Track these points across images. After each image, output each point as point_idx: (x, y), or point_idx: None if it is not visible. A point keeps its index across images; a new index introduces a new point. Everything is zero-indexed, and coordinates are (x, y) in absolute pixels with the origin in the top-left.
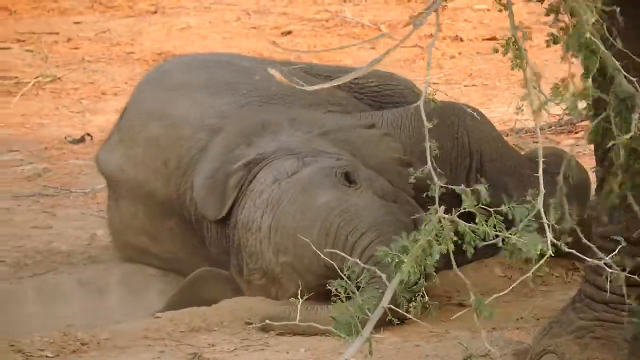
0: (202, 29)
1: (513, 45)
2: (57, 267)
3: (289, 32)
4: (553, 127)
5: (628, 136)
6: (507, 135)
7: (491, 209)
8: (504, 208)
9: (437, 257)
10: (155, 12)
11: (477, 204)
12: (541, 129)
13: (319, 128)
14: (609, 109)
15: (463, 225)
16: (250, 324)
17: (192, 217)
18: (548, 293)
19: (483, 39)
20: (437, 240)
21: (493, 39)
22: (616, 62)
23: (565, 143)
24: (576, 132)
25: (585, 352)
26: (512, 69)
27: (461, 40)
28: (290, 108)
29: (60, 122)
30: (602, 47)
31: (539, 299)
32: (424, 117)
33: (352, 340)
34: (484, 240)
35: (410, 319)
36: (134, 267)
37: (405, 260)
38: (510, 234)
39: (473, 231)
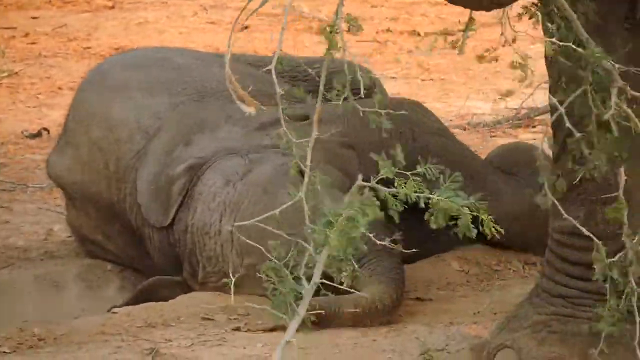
0: (159, 24)
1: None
2: (14, 263)
3: (246, 27)
4: (511, 121)
5: (610, 114)
6: (465, 129)
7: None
8: (420, 169)
9: (363, 228)
10: (112, 7)
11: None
12: (499, 123)
13: (255, 122)
14: (585, 84)
15: (383, 191)
16: (208, 319)
17: (133, 223)
18: (505, 287)
19: (440, 33)
20: (361, 210)
21: (450, 33)
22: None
23: (523, 137)
24: (534, 126)
25: (542, 347)
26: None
27: (418, 34)
28: (226, 104)
29: (17, 117)
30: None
31: (496, 294)
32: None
33: (288, 320)
34: (406, 203)
35: (342, 289)
36: (91, 263)
37: (331, 234)
38: (432, 194)
39: (394, 196)
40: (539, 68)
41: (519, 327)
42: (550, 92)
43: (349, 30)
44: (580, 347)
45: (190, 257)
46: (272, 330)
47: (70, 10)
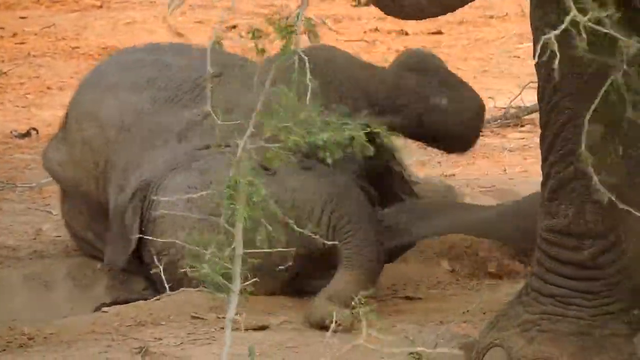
0: (147, 24)
1: None
2: (3, 262)
3: (234, 27)
4: (499, 121)
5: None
6: None
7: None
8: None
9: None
10: (100, 7)
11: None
12: (487, 122)
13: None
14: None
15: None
16: (198, 318)
17: None
18: (495, 286)
19: (429, 33)
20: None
21: (439, 33)
22: None
23: (512, 137)
24: (522, 126)
25: (532, 346)
26: None
27: (406, 34)
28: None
29: (6, 117)
30: None
31: (486, 293)
32: None
33: (226, 297)
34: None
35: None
36: (80, 262)
37: (237, 207)
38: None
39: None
40: (528, 67)
41: (508, 326)
42: (538, 91)
43: (307, 36)
44: (570, 346)
45: (170, 276)
46: (261, 328)
47: (59, 10)
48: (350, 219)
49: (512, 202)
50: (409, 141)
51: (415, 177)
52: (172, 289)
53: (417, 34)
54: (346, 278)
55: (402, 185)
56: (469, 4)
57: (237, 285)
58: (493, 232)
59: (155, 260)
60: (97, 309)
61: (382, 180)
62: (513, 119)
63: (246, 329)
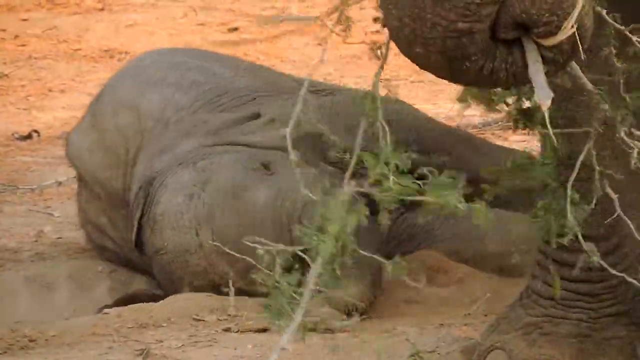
0: (149, 26)
1: None
2: (4, 264)
3: (236, 29)
4: (500, 123)
5: None
6: None
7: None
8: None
9: (351, 229)
10: (102, 9)
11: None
12: (487, 124)
13: (205, 129)
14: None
15: (372, 192)
16: (199, 320)
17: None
18: (497, 289)
19: None
20: (350, 212)
21: None
22: None
23: (513, 139)
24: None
25: (533, 349)
26: None
27: None
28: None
29: (7, 119)
30: None
31: (487, 295)
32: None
33: (284, 326)
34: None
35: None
36: (81, 264)
37: (325, 240)
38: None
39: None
40: None
41: (510, 329)
42: None
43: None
44: (571, 349)
45: (167, 275)
46: (262, 330)
47: (60, 12)
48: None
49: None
50: None
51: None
52: (168, 289)
53: None
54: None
55: None
56: None
57: (299, 318)
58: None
59: (155, 258)
60: (99, 310)
61: None
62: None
63: (244, 331)
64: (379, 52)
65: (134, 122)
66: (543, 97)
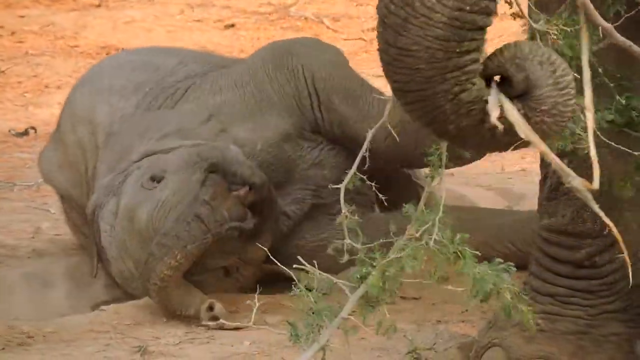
0: (146, 23)
1: None
2: (2, 261)
3: (232, 25)
4: None
5: None
6: None
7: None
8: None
9: (401, 276)
10: (99, 6)
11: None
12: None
13: (158, 134)
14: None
15: (434, 248)
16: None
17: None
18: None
19: None
20: (411, 257)
21: None
22: None
23: None
24: None
25: (531, 345)
26: None
27: None
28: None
29: (5, 116)
30: None
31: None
32: None
33: (306, 345)
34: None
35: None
36: (79, 260)
37: (373, 273)
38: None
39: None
40: None
41: (507, 326)
42: None
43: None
44: (569, 345)
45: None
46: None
47: (58, 9)
48: None
49: (528, 211)
50: None
51: (422, 178)
52: None
53: None
54: None
55: (410, 187)
56: None
57: (323, 341)
58: (505, 238)
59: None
60: (96, 307)
61: (390, 183)
62: None
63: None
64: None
65: (90, 137)
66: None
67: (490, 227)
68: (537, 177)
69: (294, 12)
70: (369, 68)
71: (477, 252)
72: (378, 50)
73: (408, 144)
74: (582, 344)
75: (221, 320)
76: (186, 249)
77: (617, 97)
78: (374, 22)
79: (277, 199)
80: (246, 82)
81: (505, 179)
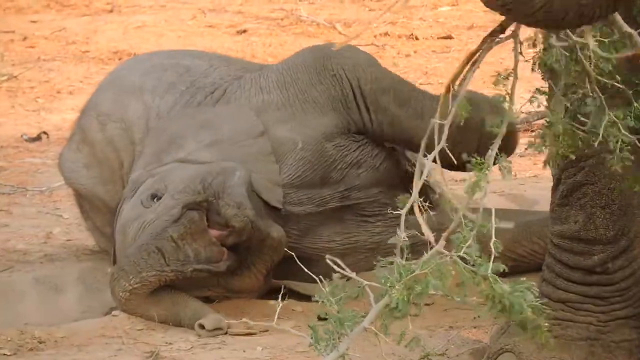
0: (157, 28)
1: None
2: (14, 266)
3: (244, 31)
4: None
5: None
6: None
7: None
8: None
9: (427, 293)
10: (111, 11)
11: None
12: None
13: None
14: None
15: (462, 266)
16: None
17: None
18: None
19: (438, 37)
20: (438, 274)
21: (448, 37)
22: None
23: (522, 142)
24: (532, 131)
25: (543, 351)
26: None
27: (416, 38)
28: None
29: (17, 121)
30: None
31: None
32: None
33: (325, 353)
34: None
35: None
36: (90, 266)
37: (397, 286)
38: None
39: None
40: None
41: (519, 332)
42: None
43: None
44: (580, 351)
45: None
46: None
47: (69, 14)
48: None
49: None
50: None
51: (435, 182)
52: None
53: (426, 39)
54: None
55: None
56: (480, 7)
57: (343, 349)
58: (534, 234)
59: None
60: (108, 312)
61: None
62: (523, 124)
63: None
64: None
65: (122, 134)
66: None
67: (518, 224)
68: (549, 183)
69: (306, 17)
70: None
71: (504, 267)
72: None
73: (471, 141)
74: (593, 350)
75: (227, 330)
76: (141, 275)
77: (635, 104)
78: (385, 28)
79: (268, 234)
80: (289, 84)
81: (517, 185)
